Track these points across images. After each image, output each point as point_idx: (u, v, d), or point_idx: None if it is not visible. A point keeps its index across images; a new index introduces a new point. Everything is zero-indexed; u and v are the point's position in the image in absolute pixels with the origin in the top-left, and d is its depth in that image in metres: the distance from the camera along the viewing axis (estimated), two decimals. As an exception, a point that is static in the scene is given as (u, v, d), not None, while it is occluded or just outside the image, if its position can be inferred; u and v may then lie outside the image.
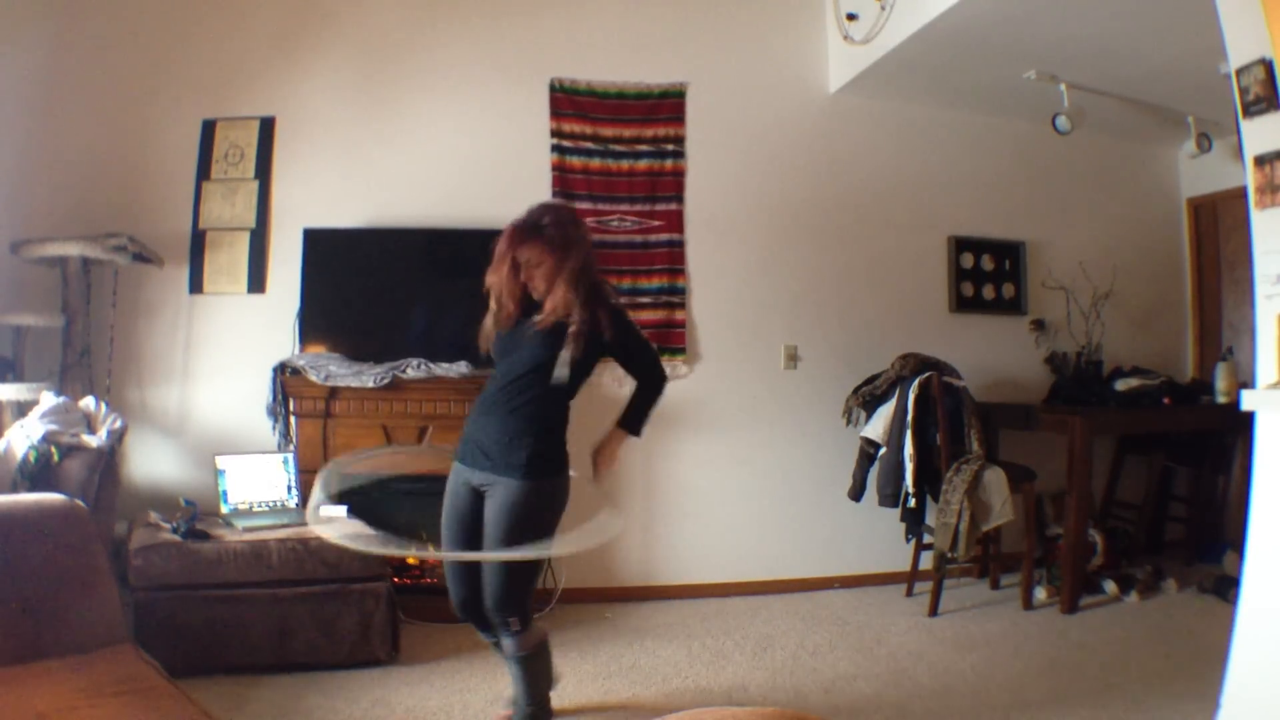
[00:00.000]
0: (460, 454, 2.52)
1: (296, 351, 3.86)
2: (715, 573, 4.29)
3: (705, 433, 4.28)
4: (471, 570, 2.47)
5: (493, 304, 2.49)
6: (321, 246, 3.89)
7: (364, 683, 3.00)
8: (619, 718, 2.79)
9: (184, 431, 3.91)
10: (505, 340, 2.50)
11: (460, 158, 4.15)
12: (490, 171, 4.15)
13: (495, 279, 2.46)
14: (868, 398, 4.25)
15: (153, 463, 3.86)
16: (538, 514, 2.40)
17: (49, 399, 3.18)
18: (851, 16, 4.22)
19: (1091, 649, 3.44)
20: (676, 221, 4.34)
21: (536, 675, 2.54)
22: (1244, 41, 2.45)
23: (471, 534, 2.46)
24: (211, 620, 2.96)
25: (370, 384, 3.64)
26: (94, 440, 3.02)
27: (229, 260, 3.99)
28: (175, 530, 3.14)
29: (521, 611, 2.44)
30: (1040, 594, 4.06)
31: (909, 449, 3.95)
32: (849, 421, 4.36)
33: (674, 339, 4.30)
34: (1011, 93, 4.42)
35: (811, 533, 4.44)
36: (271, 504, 3.60)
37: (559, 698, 2.91)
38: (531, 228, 2.42)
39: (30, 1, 3.82)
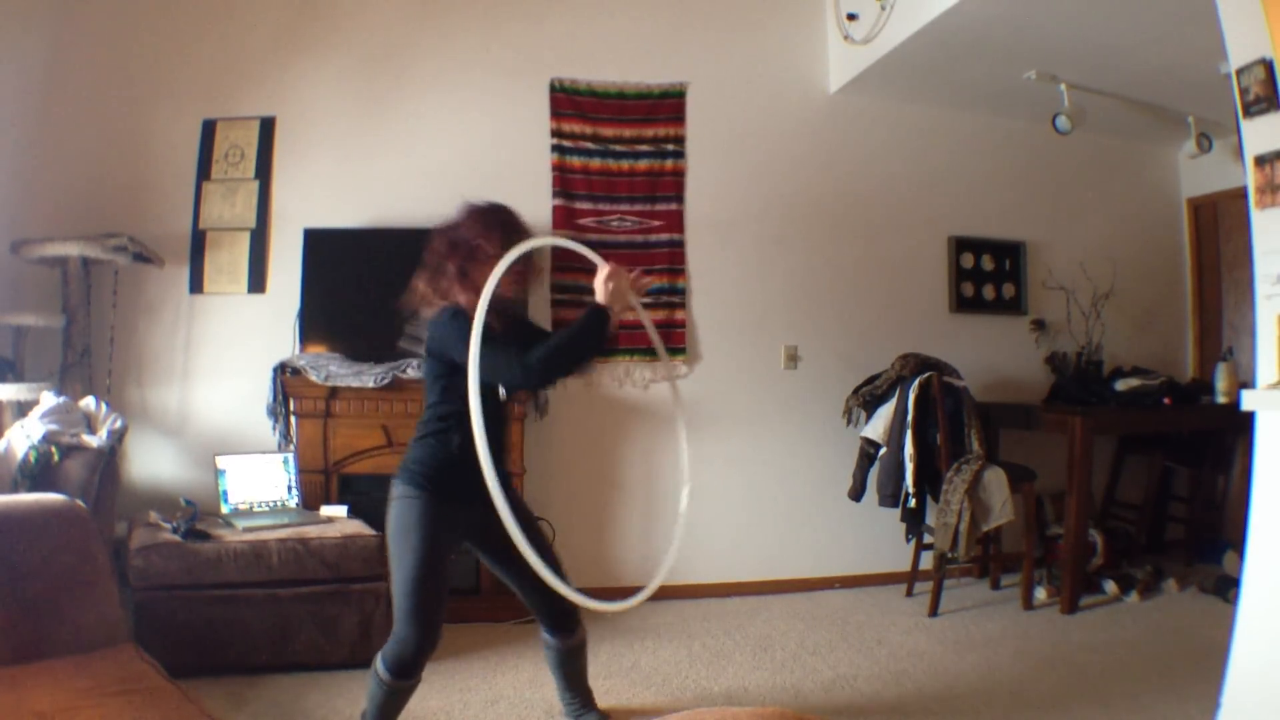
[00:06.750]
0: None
1: (297, 351, 3.86)
2: (715, 573, 4.29)
3: (705, 433, 4.28)
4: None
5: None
6: (321, 246, 3.89)
7: (364, 683, 2.99)
8: (619, 718, 2.79)
9: (184, 431, 3.91)
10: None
11: (460, 158, 4.15)
12: (490, 171, 4.15)
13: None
14: (868, 398, 4.25)
15: (153, 463, 3.86)
16: None
17: (49, 399, 3.18)
18: (852, 16, 4.22)
19: (1091, 649, 3.44)
20: (676, 221, 4.34)
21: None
22: (1244, 41, 2.46)
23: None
24: (211, 620, 2.96)
25: (371, 384, 3.65)
26: (94, 440, 3.02)
27: (229, 260, 3.99)
28: (175, 530, 3.14)
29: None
30: (1040, 594, 4.06)
31: (909, 449, 3.95)
32: (849, 421, 4.36)
33: (674, 339, 4.30)
34: (1011, 93, 4.42)
35: (812, 533, 4.44)
36: (272, 504, 3.60)
37: (555, 699, 2.91)
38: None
39: (30, 2, 3.82)
